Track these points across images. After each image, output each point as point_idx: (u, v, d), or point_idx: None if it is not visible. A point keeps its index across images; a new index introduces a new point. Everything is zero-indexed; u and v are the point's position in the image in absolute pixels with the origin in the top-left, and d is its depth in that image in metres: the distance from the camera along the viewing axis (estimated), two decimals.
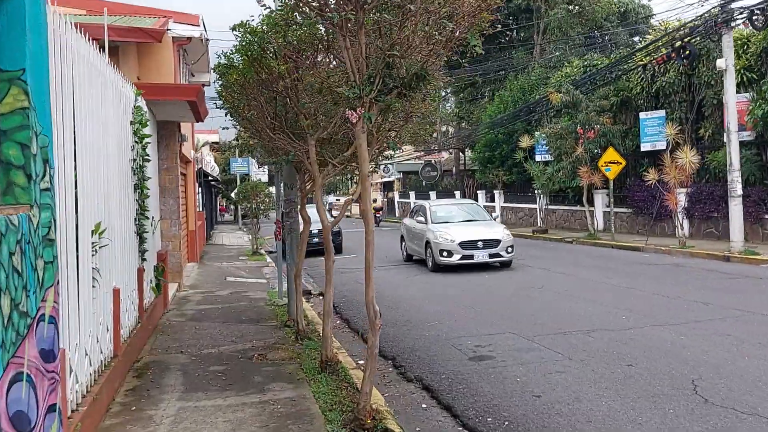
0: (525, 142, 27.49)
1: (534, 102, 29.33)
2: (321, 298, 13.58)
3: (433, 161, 43.57)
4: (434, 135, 46.12)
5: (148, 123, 8.72)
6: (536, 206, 30.57)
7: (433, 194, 41.98)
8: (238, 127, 8.98)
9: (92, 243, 5.73)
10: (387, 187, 51.42)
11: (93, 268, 5.77)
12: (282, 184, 9.92)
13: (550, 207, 28.32)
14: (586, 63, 26.97)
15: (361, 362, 7.90)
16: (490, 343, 8.55)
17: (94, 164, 6.00)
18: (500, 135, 31.50)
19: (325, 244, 7.28)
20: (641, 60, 22.21)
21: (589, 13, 32.27)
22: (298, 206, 9.95)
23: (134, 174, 8.31)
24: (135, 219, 8.34)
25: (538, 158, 28.74)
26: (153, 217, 10.06)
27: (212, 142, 41.28)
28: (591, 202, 26.70)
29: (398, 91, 5.32)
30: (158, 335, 9.24)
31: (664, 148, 22.23)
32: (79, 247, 5.30)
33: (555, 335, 8.84)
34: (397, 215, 48.20)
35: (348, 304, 12.48)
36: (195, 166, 19.37)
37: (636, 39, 33.94)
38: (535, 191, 30.10)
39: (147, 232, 8.91)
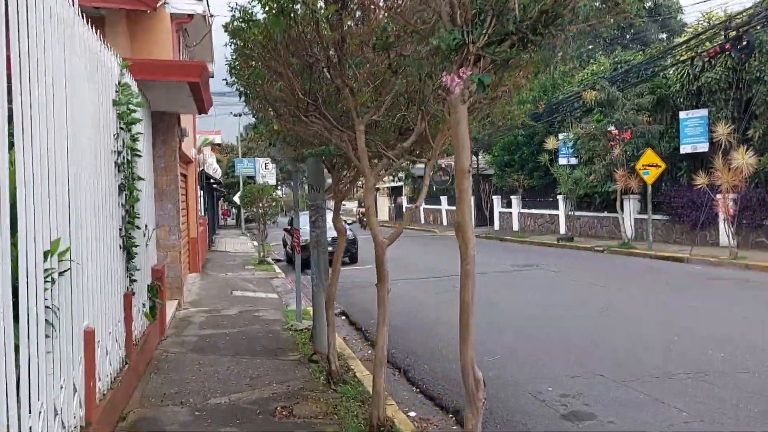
0: (551, 143, 25.54)
1: (557, 101, 27.40)
2: (343, 317, 11.62)
3: (444, 165, 41.58)
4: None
5: (138, 106, 6.77)
6: (558, 212, 28.61)
7: (444, 199, 40.03)
8: (252, 112, 7.04)
9: (46, 271, 3.77)
10: (395, 192, 49.49)
11: (47, 307, 3.81)
12: (307, 186, 7.94)
13: (573, 213, 26.33)
14: (616, 60, 25.04)
15: (416, 414, 5.95)
16: (580, 392, 6.57)
17: (53, 153, 4.04)
18: (520, 137, 29.56)
19: (378, 268, 5.32)
20: (682, 54, 20.28)
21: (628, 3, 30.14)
22: (325, 213, 8.03)
23: (119, 171, 6.35)
24: (121, 229, 6.38)
25: (561, 161, 26.83)
26: (146, 226, 8.10)
27: (214, 144, 39.36)
28: (620, 209, 24.78)
29: (519, 37, 3.39)
30: (152, 374, 7.27)
31: (707, 150, 20.32)
32: (21, 279, 3.35)
33: (656, 379, 6.87)
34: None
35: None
36: (197, 166, 17.46)
37: (663, 36, 32.01)
38: (557, 196, 28.18)
39: (137, 245, 6.96)
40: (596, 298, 12.10)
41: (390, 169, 5.48)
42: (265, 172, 20.86)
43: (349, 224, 21.09)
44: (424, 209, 42.91)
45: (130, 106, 6.61)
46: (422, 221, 43.85)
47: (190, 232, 16.71)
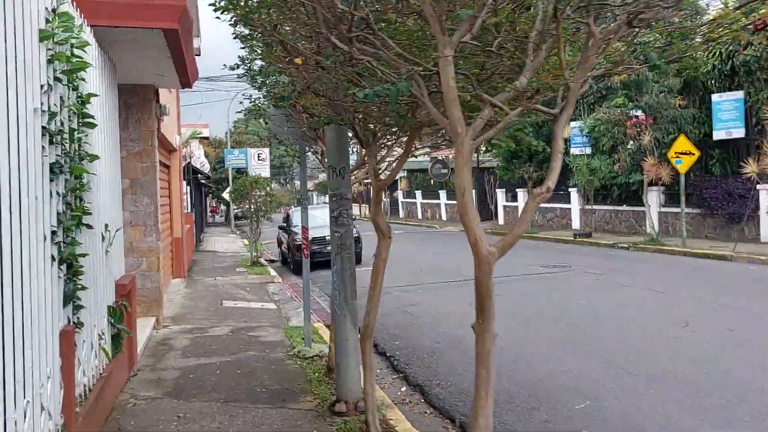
0: (565, 131, 23.39)
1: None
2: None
3: (443, 158, 39.42)
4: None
5: (81, 46, 4.53)
6: (570, 206, 26.52)
7: (443, 194, 37.87)
8: (258, 50, 4.84)
9: None
10: (391, 185, 47.41)
11: None
12: (327, 170, 5.69)
13: (590, 207, 24.18)
14: (634, 40, 22.87)
15: None
16: None
17: None
18: (528, 126, 27.38)
19: (480, 300, 3.13)
20: (718, 31, 18.13)
21: None
22: (350, 205, 5.84)
23: (53, 143, 4.10)
24: (55, 232, 4.13)
25: (574, 151, 24.71)
26: (106, 226, 5.87)
27: (202, 137, 36.95)
28: (640, 201, 22.71)
29: None
30: None
31: (743, 135, 18.28)
32: None
33: None
34: (401, 216, 44.05)
35: (405, 349, 8.30)
36: (182, 158, 15.21)
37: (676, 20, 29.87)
38: (569, 189, 26.08)
39: (86, 254, 4.73)
40: (664, 308, 9.94)
41: (495, 129, 3.23)
42: (258, 163, 18.59)
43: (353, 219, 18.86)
44: (421, 204, 40.72)
45: (74, 47, 4.37)
46: (419, 216, 41.65)
47: (173, 232, 14.44)
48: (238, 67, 5.81)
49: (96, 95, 5.12)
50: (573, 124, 24.63)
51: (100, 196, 5.62)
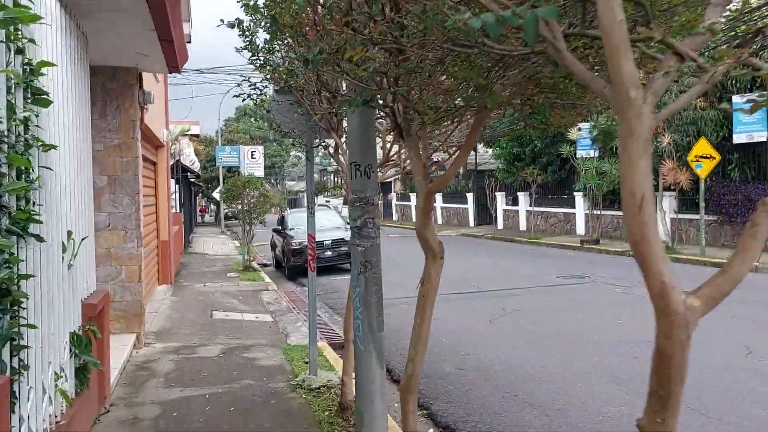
0: (574, 133, 22.33)
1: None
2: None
3: (439, 159, 38.30)
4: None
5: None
6: (575, 211, 25.43)
7: (438, 196, 36.70)
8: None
9: None
10: (385, 188, 46.10)
11: None
12: (348, 167, 4.48)
13: (597, 212, 23.03)
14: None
15: None
16: None
17: None
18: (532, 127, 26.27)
19: (659, 384, 1.91)
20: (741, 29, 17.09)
21: None
22: (375, 210, 4.65)
23: None
24: None
25: (580, 153, 23.66)
26: (69, 233, 4.66)
27: (192, 135, 35.64)
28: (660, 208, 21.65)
29: None
30: None
31: (765, 139, 17.23)
32: None
33: None
34: (394, 219, 42.87)
35: (426, 378, 7.10)
36: (169, 154, 13.97)
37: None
38: (574, 193, 25.01)
39: (29, 275, 3.52)
40: (721, 331, 8.79)
41: (693, 91, 2.03)
42: (251, 162, 17.37)
43: (347, 223, 17.67)
44: (416, 207, 39.49)
45: None
46: (413, 219, 40.44)
47: (160, 234, 13.19)
48: (239, 25, 4.59)
49: (52, 65, 3.90)
50: (584, 125, 23.57)
51: (60, 197, 4.42)
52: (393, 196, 44.24)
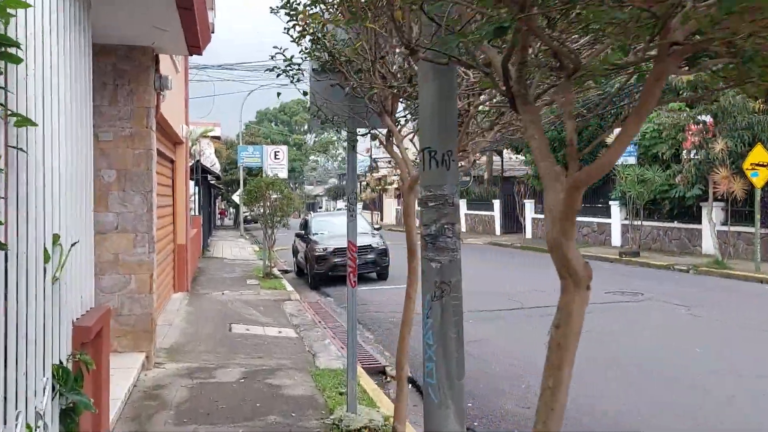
0: (610, 138, 21.07)
1: (618, 90, 22.91)
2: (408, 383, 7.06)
3: (462, 164, 37.12)
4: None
5: None
6: (610, 221, 24.15)
7: (463, 203, 35.54)
8: None
9: None
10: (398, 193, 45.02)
11: None
12: (420, 154, 3.36)
13: (638, 223, 21.65)
14: None
15: None
16: None
17: None
18: (564, 133, 25.05)
19: None
20: None
21: None
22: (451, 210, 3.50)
23: None
24: None
25: (618, 161, 22.39)
26: (56, 238, 3.59)
27: (213, 136, 34.77)
28: (694, 218, 20.36)
29: None
30: None
31: None
32: None
33: None
34: (416, 224, 41.67)
35: (484, 418, 5.96)
36: (188, 153, 12.98)
37: None
38: (610, 202, 23.74)
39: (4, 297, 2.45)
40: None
41: None
42: (274, 162, 16.34)
43: (376, 229, 16.61)
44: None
45: None
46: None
47: (177, 238, 12.19)
48: None
49: (27, 5, 2.84)
50: (618, 131, 22.31)
51: (44, 191, 3.35)
52: (414, 200, 43.08)
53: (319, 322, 10.48)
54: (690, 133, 18.46)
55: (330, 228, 15.97)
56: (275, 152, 16.78)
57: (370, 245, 14.83)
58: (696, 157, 16.86)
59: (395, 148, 4.92)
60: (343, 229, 16.09)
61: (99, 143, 6.85)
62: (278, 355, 8.06)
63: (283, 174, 16.66)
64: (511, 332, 9.29)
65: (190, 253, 13.26)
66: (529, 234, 29.48)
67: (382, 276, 15.28)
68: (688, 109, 17.88)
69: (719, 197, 17.38)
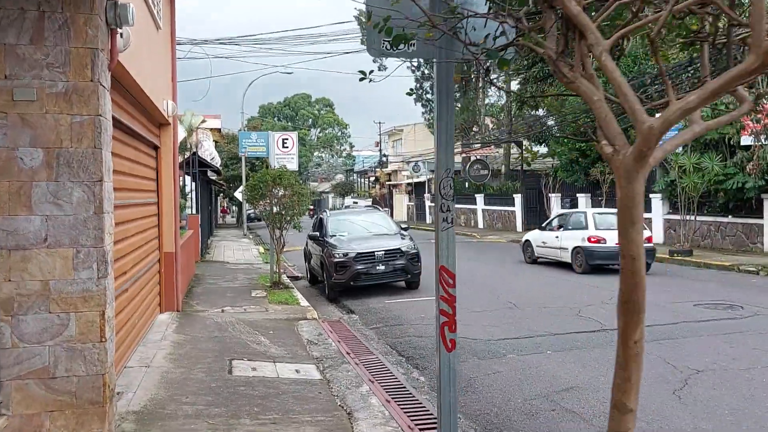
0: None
1: (667, 68, 20.28)
2: None
3: (481, 157, 34.45)
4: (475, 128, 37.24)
5: None
6: (651, 215, 21.50)
7: (480, 198, 32.85)
8: None
9: None
10: (418, 188, 42.32)
11: None
12: None
13: (687, 217, 18.93)
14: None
15: None
16: None
17: None
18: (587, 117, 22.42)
19: None
20: None
21: None
22: None
23: None
24: None
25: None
26: None
27: (214, 128, 32.17)
28: (754, 212, 17.73)
29: None
30: None
31: None
32: None
33: None
34: (427, 222, 39.05)
35: None
36: (176, 136, 10.29)
37: None
38: (650, 195, 21.08)
39: None
40: None
41: None
42: (282, 152, 13.70)
43: (404, 229, 13.99)
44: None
45: None
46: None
47: (163, 245, 9.57)
48: None
49: None
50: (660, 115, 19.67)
51: None
52: (427, 196, 40.41)
53: (348, 353, 7.86)
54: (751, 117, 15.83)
55: (350, 229, 13.34)
56: (283, 140, 14.12)
57: (400, 249, 12.21)
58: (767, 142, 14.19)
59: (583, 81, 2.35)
60: (366, 229, 13.51)
61: (14, 106, 4.25)
62: (298, 415, 5.46)
63: (293, 165, 14.01)
64: (602, 371, 6.67)
65: (181, 261, 10.64)
66: None
67: (413, 285, 12.65)
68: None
69: None
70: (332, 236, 12.93)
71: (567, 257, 15.45)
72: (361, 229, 13.24)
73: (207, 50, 40.30)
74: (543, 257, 16.82)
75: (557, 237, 15.96)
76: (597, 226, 15.00)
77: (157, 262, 9.36)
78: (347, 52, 34.18)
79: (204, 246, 20.96)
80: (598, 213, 15.82)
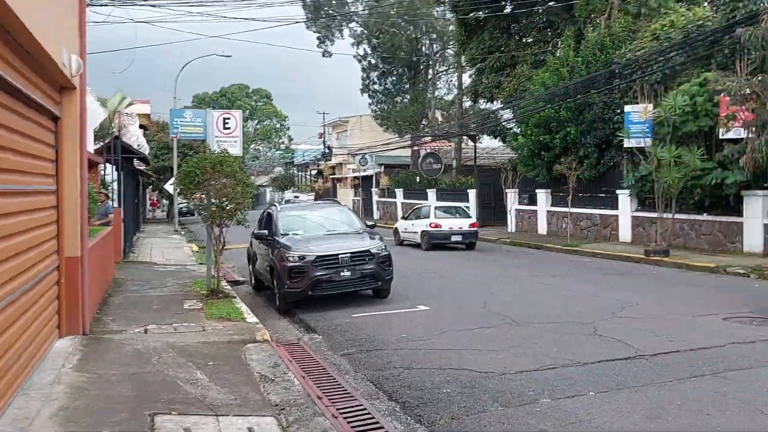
0: (644, 113, 16.90)
1: (627, 61, 18.88)
2: None
3: (433, 150, 32.58)
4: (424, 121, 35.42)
5: None
6: (617, 212, 20.06)
7: (431, 193, 30.97)
8: None
9: None
10: (366, 182, 40.17)
11: None
12: None
13: (665, 216, 17.36)
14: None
15: None
16: None
17: None
18: (563, 111, 20.87)
19: None
20: None
21: None
22: None
23: None
24: None
25: (629, 143, 18.31)
26: None
27: (142, 114, 29.14)
28: (732, 209, 16.45)
29: None
30: None
31: None
32: None
33: None
34: (375, 217, 36.98)
35: None
36: (84, 103, 7.80)
37: None
38: (618, 191, 19.66)
39: None
40: None
41: None
42: (223, 135, 11.34)
43: (370, 226, 11.88)
44: (403, 204, 33.50)
45: None
46: (399, 218, 34.69)
47: (64, 248, 7.13)
48: None
49: None
50: (630, 108, 18.23)
51: None
52: (374, 191, 38.31)
53: (319, 398, 5.68)
54: (728, 105, 14.49)
55: (306, 226, 11.08)
56: (224, 119, 11.80)
57: (369, 251, 10.05)
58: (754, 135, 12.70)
59: None
60: (325, 227, 11.20)
61: None
62: None
63: (236, 150, 11.69)
64: (679, 417, 4.75)
65: (93, 266, 8.20)
66: (512, 227, 25.23)
67: (382, 293, 10.54)
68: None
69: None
70: (284, 235, 10.65)
71: (418, 239, 20.13)
72: (319, 227, 11.02)
73: (131, 13, 36.87)
74: (406, 240, 21.35)
75: (413, 224, 20.86)
76: (436, 216, 19.97)
77: (55, 271, 6.93)
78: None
79: (128, 244, 18.26)
80: (437, 206, 21.10)
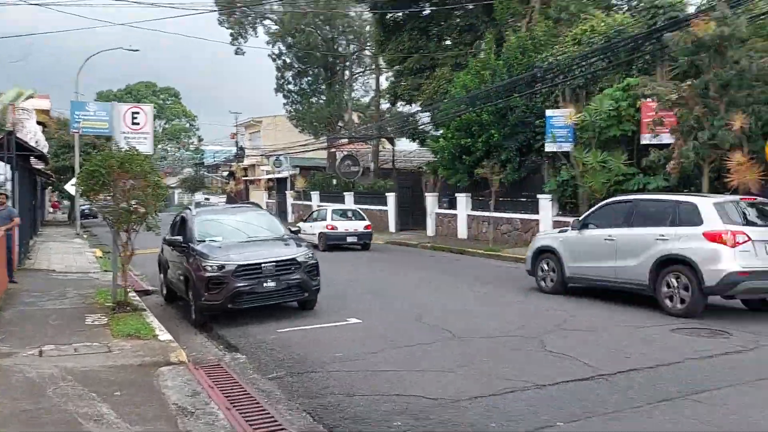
0: (569, 117, 16.84)
1: (549, 65, 18.86)
2: None
3: (351, 152, 31.88)
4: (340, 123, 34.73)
5: None
6: (538, 217, 20.06)
7: (349, 196, 30.28)
8: None
9: None
10: (280, 184, 38.92)
11: None
12: None
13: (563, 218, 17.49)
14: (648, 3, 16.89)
15: None
16: None
17: None
18: (484, 115, 20.70)
19: None
20: None
21: None
22: None
23: None
24: None
25: (551, 147, 18.29)
26: None
27: (41, 110, 26.95)
28: None
29: None
30: None
31: None
32: None
33: None
34: (290, 220, 35.92)
35: None
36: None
37: None
38: (539, 196, 19.66)
39: None
40: None
41: None
42: (132, 130, 10.19)
43: (294, 232, 11.07)
44: (317, 206, 32.61)
45: None
46: (299, 221, 33.80)
47: None
48: None
49: None
50: (550, 112, 18.21)
51: None
52: (289, 194, 37.20)
53: None
54: (650, 112, 14.63)
55: (224, 232, 10.09)
56: (133, 113, 10.61)
57: (295, 259, 9.21)
58: (696, 140, 12.73)
59: None
60: (245, 233, 10.13)
61: None
62: None
63: (146, 148, 10.57)
64: None
65: None
66: (431, 231, 24.91)
67: (308, 305, 9.73)
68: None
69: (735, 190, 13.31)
70: (200, 242, 9.65)
71: (316, 240, 20.29)
72: (240, 233, 10.07)
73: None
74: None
75: (311, 226, 21.35)
76: (332, 218, 21.00)
77: None
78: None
79: (23, 249, 16.55)
80: (334, 209, 22.21)
